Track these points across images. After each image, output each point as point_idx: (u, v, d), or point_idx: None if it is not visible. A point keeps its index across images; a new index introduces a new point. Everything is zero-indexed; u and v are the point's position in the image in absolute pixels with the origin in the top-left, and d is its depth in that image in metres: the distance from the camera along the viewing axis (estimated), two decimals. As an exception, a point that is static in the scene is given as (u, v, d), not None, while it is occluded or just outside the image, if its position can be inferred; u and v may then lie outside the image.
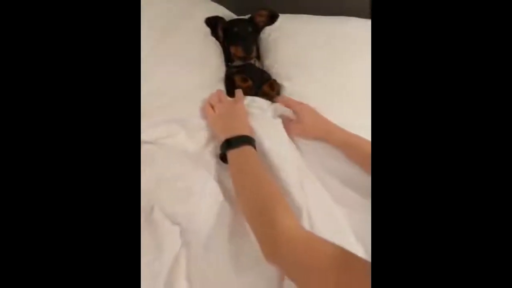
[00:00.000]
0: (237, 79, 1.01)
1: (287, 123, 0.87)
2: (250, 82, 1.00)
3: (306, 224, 0.67)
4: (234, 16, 1.14)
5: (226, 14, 1.14)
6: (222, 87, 0.99)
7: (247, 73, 1.02)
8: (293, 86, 1.03)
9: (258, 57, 1.12)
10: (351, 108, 0.99)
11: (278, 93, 1.02)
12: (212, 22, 1.06)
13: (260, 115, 0.87)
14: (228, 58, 1.08)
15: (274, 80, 1.04)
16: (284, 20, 1.09)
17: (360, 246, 0.69)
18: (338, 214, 0.76)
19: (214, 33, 1.06)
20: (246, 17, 1.10)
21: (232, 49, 1.06)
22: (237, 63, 1.07)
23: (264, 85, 1.02)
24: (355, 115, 0.94)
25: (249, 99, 0.92)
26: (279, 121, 0.87)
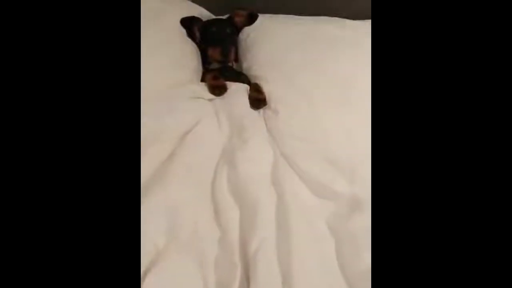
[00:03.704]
0: (209, 77, 0.96)
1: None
2: (221, 81, 0.95)
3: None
4: (213, 16, 1.11)
5: (204, 14, 1.10)
6: (198, 89, 0.94)
7: (224, 76, 0.98)
8: (271, 88, 0.99)
9: (236, 59, 1.08)
10: (329, 108, 0.98)
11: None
12: (187, 23, 1.02)
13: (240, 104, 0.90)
14: (205, 60, 1.04)
15: (256, 84, 0.99)
16: (264, 21, 1.07)
17: (332, 237, 0.68)
18: (314, 204, 0.76)
19: (190, 34, 1.03)
20: (225, 17, 1.08)
21: (210, 51, 1.02)
22: (215, 65, 1.03)
23: (250, 91, 0.96)
24: (333, 116, 0.94)
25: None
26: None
